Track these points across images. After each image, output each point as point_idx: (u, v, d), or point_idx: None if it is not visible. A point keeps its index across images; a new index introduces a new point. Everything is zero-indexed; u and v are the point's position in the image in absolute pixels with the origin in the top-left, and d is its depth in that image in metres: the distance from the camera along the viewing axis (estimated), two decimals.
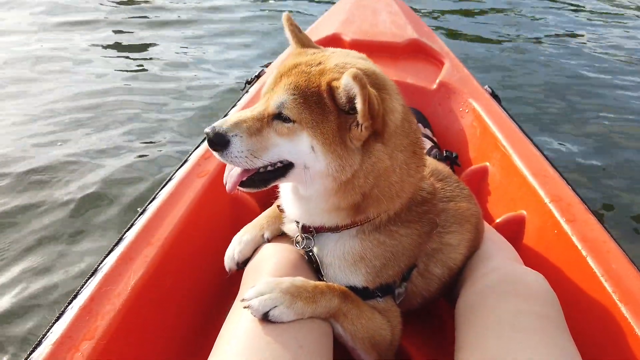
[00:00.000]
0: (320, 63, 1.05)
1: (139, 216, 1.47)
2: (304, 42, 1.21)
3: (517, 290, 1.14)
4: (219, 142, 1.03)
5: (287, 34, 1.21)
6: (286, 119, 1.02)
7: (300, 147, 1.03)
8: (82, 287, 1.31)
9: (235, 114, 1.07)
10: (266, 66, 2.58)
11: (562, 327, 1.09)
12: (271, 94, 1.06)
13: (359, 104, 0.94)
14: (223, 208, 1.66)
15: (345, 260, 1.15)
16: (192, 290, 1.47)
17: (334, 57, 1.08)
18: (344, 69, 0.98)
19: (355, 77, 0.91)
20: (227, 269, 1.34)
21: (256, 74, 2.45)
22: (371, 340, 1.12)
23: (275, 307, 1.00)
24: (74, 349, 1.12)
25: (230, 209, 1.68)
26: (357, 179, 1.04)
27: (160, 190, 1.61)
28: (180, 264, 1.44)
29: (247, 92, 2.32)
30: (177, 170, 1.71)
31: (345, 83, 0.94)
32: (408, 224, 1.15)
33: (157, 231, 1.42)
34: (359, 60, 1.09)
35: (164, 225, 1.43)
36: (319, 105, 0.99)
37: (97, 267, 1.37)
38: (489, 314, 1.11)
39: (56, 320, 1.24)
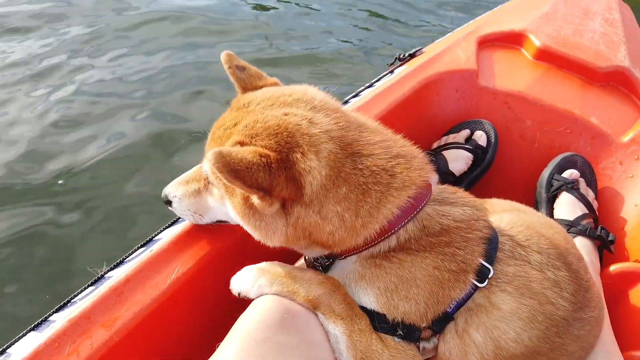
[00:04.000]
0: (236, 124, 0.98)
1: None
2: (247, 85, 1.12)
3: None
4: (165, 201, 1.16)
5: (229, 76, 1.13)
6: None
7: (230, 213, 1.03)
8: (126, 257, 1.21)
9: (185, 173, 1.15)
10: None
11: None
12: (205, 156, 1.05)
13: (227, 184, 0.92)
14: None
15: (347, 279, 1.04)
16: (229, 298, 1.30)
17: (255, 111, 0.99)
18: (253, 130, 0.93)
19: (209, 161, 0.83)
20: (235, 293, 1.08)
21: (410, 52, 2.08)
22: None
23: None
24: (86, 334, 1.03)
25: None
26: (287, 235, 0.99)
27: None
28: (231, 264, 1.27)
29: (391, 72, 1.98)
30: None
31: (209, 161, 0.85)
32: (411, 251, 0.99)
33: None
34: (278, 112, 0.96)
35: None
36: None
37: (151, 239, 1.26)
38: None
39: (89, 285, 1.17)
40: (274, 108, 0.98)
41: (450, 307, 1.01)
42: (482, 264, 1.01)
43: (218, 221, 1.16)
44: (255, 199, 0.92)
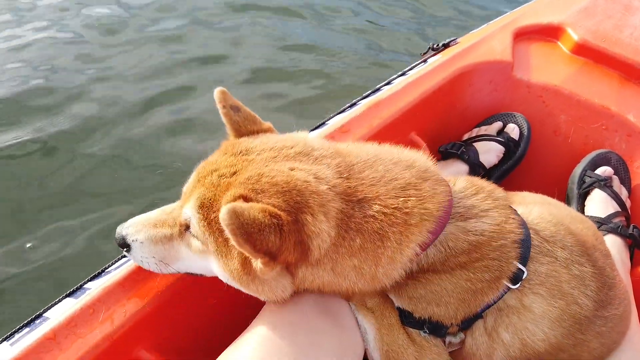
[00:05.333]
0: (235, 172, 0.87)
1: None
2: (240, 128, 1.01)
3: None
4: (121, 243, 0.97)
5: (222, 116, 1.01)
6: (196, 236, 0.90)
7: (215, 272, 0.93)
8: None
9: (149, 213, 0.99)
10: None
11: None
12: (186, 199, 0.91)
13: (236, 247, 0.78)
14: None
15: None
16: None
17: (256, 161, 0.88)
18: (258, 185, 0.82)
19: (224, 220, 0.73)
20: None
21: (444, 42, 2.06)
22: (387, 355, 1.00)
23: None
24: (120, 302, 1.06)
25: None
26: (298, 288, 0.93)
27: None
28: None
29: (424, 62, 1.97)
30: None
31: (222, 220, 0.74)
32: (438, 271, 0.95)
33: None
34: (283, 167, 0.86)
35: None
36: (222, 233, 0.82)
37: None
38: None
39: (124, 256, 1.20)
40: (277, 161, 0.88)
41: (480, 308, 1.00)
42: (517, 266, 0.98)
43: (187, 273, 1.03)
44: (257, 264, 0.82)
